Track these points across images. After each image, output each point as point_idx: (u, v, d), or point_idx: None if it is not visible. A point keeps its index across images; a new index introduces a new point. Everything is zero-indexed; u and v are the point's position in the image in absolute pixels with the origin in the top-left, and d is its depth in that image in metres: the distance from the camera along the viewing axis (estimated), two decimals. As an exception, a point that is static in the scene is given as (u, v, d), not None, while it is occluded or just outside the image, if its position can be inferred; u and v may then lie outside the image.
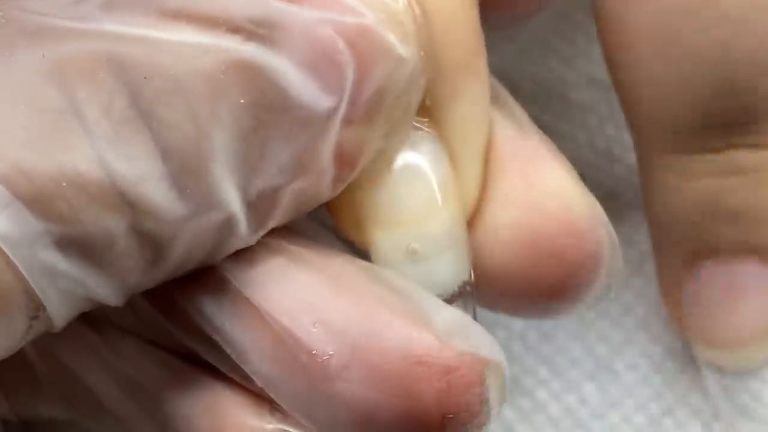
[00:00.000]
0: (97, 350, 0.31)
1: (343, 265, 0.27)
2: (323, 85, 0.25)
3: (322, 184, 0.26)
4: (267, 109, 0.25)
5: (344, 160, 0.26)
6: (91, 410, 0.31)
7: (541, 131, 0.29)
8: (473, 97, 0.28)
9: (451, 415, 0.26)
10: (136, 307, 0.30)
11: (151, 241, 0.25)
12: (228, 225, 0.26)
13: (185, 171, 0.24)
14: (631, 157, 0.37)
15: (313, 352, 0.26)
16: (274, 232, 0.27)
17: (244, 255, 0.27)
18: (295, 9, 0.25)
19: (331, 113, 0.25)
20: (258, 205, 0.26)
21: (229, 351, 0.27)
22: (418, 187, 0.28)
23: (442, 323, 0.27)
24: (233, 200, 0.25)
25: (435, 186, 0.28)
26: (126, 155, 0.24)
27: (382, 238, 0.28)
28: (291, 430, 0.28)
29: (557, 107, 0.38)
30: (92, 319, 0.31)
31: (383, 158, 0.28)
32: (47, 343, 0.31)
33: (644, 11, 0.30)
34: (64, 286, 0.24)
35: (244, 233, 0.26)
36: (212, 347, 0.28)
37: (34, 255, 0.24)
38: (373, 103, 0.26)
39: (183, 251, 0.25)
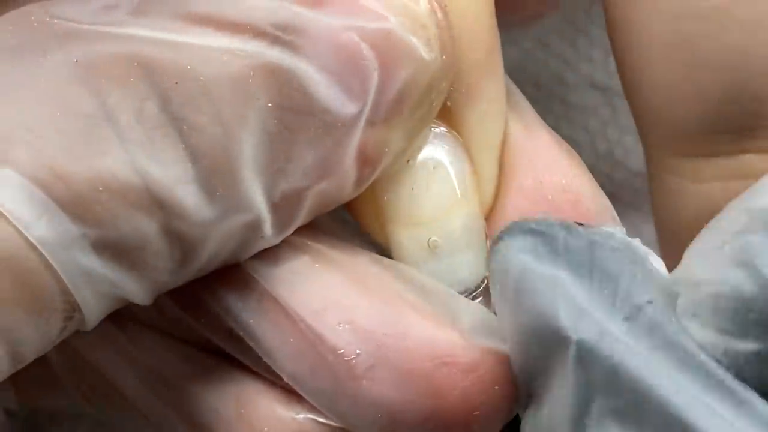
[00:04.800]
0: (119, 344, 0.31)
1: (367, 263, 0.28)
2: (348, 90, 0.26)
3: (344, 185, 0.27)
4: (294, 113, 0.25)
5: (366, 161, 0.27)
6: (109, 403, 0.31)
7: (549, 128, 0.30)
8: (491, 96, 0.28)
9: (476, 413, 0.26)
10: (159, 304, 0.30)
11: (181, 242, 0.25)
12: (254, 226, 0.26)
13: (215, 174, 0.25)
14: (633, 160, 0.37)
15: (340, 351, 0.26)
16: (299, 231, 0.27)
17: (270, 253, 0.27)
18: (320, 15, 0.25)
19: (356, 117, 0.26)
20: (283, 206, 0.26)
21: (254, 347, 0.28)
22: (438, 184, 0.28)
23: (466, 320, 0.27)
24: (260, 202, 0.25)
25: (455, 183, 0.28)
26: (158, 159, 0.24)
27: (403, 236, 0.28)
28: (320, 419, 0.28)
29: (559, 110, 0.38)
30: (115, 314, 0.31)
31: (403, 157, 0.28)
32: (69, 338, 0.31)
33: (656, 16, 0.30)
34: (99, 287, 0.25)
35: (269, 234, 0.26)
36: (238, 343, 0.28)
37: (71, 258, 0.24)
38: (395, 106, 0.26)
39: (210, 251, 0.26)
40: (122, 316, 0.31)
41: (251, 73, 0.25)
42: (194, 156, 0.24)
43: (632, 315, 0.24)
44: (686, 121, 0.31)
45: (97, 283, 0.25)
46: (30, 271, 0.24)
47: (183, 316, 0.29)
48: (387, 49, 0.26)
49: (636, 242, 0.26)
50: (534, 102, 0.36)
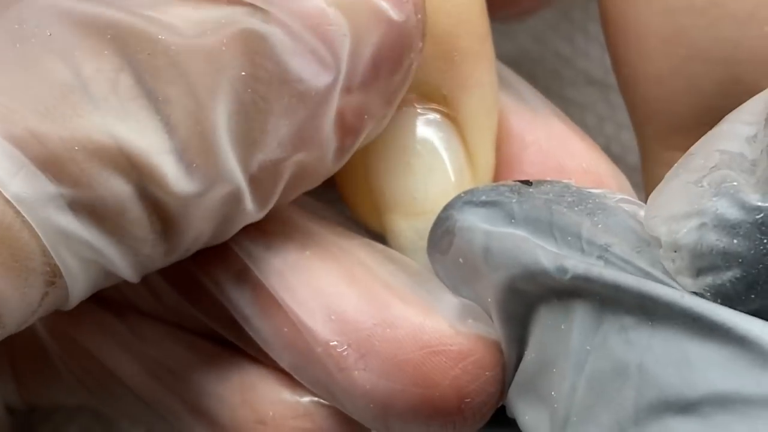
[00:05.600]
0: (121, 335, 0.31)
1: (358, 250, 0.28)
2: (320, 58, 0.25)
3: (324, 155, 0.27)
4: (267, 83, 0.25)
5: (346, 129, 0.26)
6: (111, 394, 0.32)
7: (559, 112, 0.30)
8: (484, 83, 0.29)
9: (468, 399, 0.26)
10: (160, 293, 0.30)
11: (160, 211, 0.25)
12: (234, 199, 0.26)
13: (191, 145, 0.25)
14: (630, 156, 0.37)
15: (331, 344, 0.26)
16: (291, 215, 0.27)
17: (263, 240, 0.27)
18: None
19: (331, 85, 0.26)
20: (261, 178, 0.26)
21: (252, 335, 0.28)
22: (435, 174, 0.28)
23: (454, 308, 0.27)
24: (237, 174, 0.25)
25: (451, 173, 0.28)
26: (134, 129, 0.24)
27: (400, 226, 0.28)
28: (325, 402, 0.28)
29: (555, 105, 0.38)
30: (115, 305, 0.31)
31: (397, 144, 0.28)
32: (68, 329, 0.31)
33: (650, 10, 0.30)
34: (80, 251, 0.25)
35: (251, 208, 0.26)
36: (239, 331, 0.28)
37: (48, 216, 0.24)
38: (371, 71, 0.26)
39: (194, 227, 0.26)
40: (122, 306, 0.31)
41: (224, 42, 0.25)
42: (169, 127, 0.24)
43: (602, 255, 0.24)
44: (680, 115, 0.31)
45: (77, 246, 0.25)
46: (7, 228, 0.24)
47: (184, 305, 0.29)
48: (356, 13, 0.26)
49: (597, 190, 0.26)
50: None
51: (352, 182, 0.29)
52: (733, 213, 0.23)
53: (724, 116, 0.30)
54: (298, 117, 0.26)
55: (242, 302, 0.28)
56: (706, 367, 0.22)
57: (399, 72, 0.27)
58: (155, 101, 0.24)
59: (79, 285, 0.25)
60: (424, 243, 0.28)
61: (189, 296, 0.29)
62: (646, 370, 0.23)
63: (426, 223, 0.28)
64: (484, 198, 0.26)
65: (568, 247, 0.25)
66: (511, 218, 0.26)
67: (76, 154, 0.24)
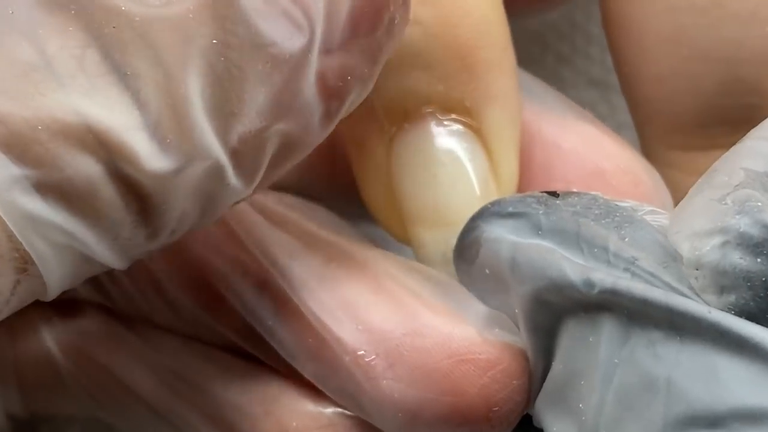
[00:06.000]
0: (135, 347, 0.31)
1: (383, 260, 0.28)
2: (293, 19, 0.25)
3: (309, 122, 0.26)
4: (239, 50, 0.24)
5: (330, 92, 0.25)
6: (122, 406, 0.31)
7: (580, 108, 0.30)
8: (506, 93, 0.28)
9: (496, 408, 0.26)
10: (178, 306, 0.30)
11: (135, 191, 0.24)
12: (216, 174, 0.25)
13: (163, 119, 0.24)
14: (630, 156, 0.37)
15: (359, 353, 0.26)
16: (313, 227, 0.27)
17: (286, 250, 0.27)
18: None
19: (306, 48, 0.25)
20: (243, 150, 0.25)
21: (275, 347, 0.28)
22: (460, 186, 0.28)
23: (482, 316, 0.27)
24: (216, 147, 0.24)
25: (476, 184, 0.28)
26: (103, 105, 0.23)
27: (425, 237, 0.28)
28: (349, 413, 0.28)
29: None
30: (129, 319, 0.31)
31: (422, 155, 0.28)
32: (80, 344, 0.31)
33: (652, 10, 0.30)
34: (51, 236, 0.24)
35: (235, 183, 0.25)
36: (260, 342, 0.28)
37: (13, 199, 0.23)
38: (349, 30, 0.25)
39: (173, 205, 0.25)
40: (136, 319, 0.31)
41: (191, 9, 0.24)
42: (140, 102, 0.24)
43: (629, 268, 0.24)
44: (682, 115, 0.31)
45: (48, 231, 0.24)
46: None
47: (202, 316, 0.29)
48: None
49: (624, 203, 0.26)
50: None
51: (378, 194, 0.29)
52: (756, 231, 0.23)
53: (725, 116, 0.31)
54: (275, 83, 0.25)
55: (264, 313, 0.28)
56: (734, 382, 0.22)
57: (379, 28, 0.26)
58: (123, 76, 0.24)
59: (55, 273, 0.24)
60: (449, 254, 0.28)
61: (209, 308, 0.29)
62: (674, 385, 0.23)
63: (451, 235, 0.28)
64: (511, 209, 0.26)
65: (595, 259, 0.25)
66: (538, 230, 0.26)
67: (39, 134, 0.23)
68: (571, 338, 0.25)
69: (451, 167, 0.28)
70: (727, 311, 0.23)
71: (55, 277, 0.24)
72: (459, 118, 0.28)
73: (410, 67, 0.28)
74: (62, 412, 0.34)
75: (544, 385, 0.26)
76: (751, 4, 0.30)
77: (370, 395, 0.27)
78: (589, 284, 0.24)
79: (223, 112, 0.24)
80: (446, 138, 0.28)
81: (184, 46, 0.24)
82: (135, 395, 0.31)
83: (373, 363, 0.26)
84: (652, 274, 0.24)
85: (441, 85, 0.28)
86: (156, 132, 0.24)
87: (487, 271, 0.27)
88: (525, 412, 0.27)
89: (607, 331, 0.24)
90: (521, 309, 0.26)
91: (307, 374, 0.28)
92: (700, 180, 0.26)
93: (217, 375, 0.30)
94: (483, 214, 0.27)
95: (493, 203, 0.27)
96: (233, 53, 0.24)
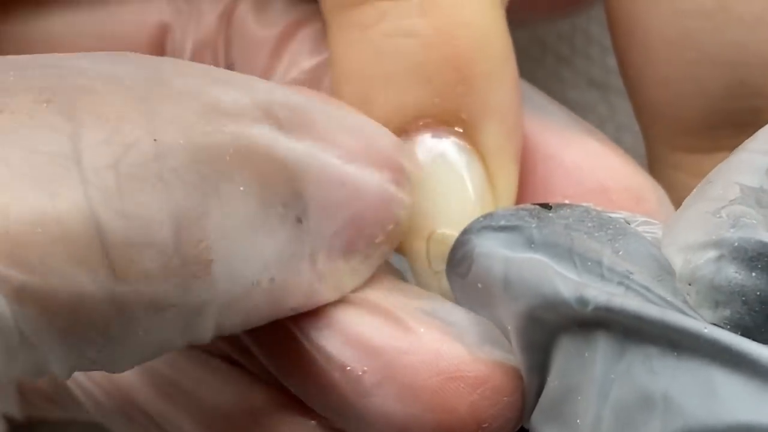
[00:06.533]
0: None
1: (373, 277, 0.27)
2: None
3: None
4: None
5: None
6: (120, 411, 0.31)
7: (591, 128, 0.30)
8: (505, 106, 0.28)
9: (486, 425, 0.26)
10: None
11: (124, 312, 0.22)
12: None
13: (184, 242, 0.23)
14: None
15: (347, 369, 0.26)
16: None
17: None
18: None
19: None
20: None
21: (263, 361, 0.27)
22: (456, 199, 0.28)
23: (473, 333, 0.27)
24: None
25: (473, 198, 0.28)
26: (124, 213, 0.22)
27: (421, 249, 0.28)
28: (337, 426, 0.28)
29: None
30: None
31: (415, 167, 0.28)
32: None
33: (658, 13, 0.30)
34: (10, 342, 0.22)
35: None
36: (249, 355, 0.28)
37: None
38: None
39: (143, 338, 0.23)
40: None
41: (231, 152, 0.24)
42: (171, 217, 0.22)
43: (623, 282, 0.24)
44: (688, 117, 0.31)
45: (9, 337, 0.22)
46: None
47: None
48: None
49: (617, 214, 0.26)
50: (531, 99, 0.37)
51: None
52: (751, 246, 0.23)
53: (730, 118, 0.31)
54: None
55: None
56: (732, 399, 0.22)
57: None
58: (162, 184, 0.22)
59: None
60: (443, 266, 0.28)
61: None
62: (671, 400, 0.23)
63: (447, 247, 0.28)
64: (503, 222, 0.26)
65: (588, 273, 0.24)
66: (530, 243, 0.25)
67: (37, 237, 0.21)
68: (565, 354, 0.25)
69: (447, 181, 0.28)
70: (722, 326, 0.23)
71: (3, 378, 0.22)
72: (456, 131, 0.28)
73: (407, 79, 0.28)
74: (59, 416, 0.34)
75: (540, 400, 0.26)
76: (757, 8, 0.30)
77: (358, 411, 0.26)
78: (583, 302, 0.24)
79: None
80: (442, 151, 0.28)
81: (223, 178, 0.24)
82: (131, 400, 0.31)
83: (361, 379, 0.26)
84: (647, 289, 0.24)
85: (437, 98, 0.27)
86: (176, 253, 0.23)
87: (479, 285, 0.26)
88: (519, 428, 0.27)
89: (603, 346, 0.24)
90: (514, 326, 0.26)
91: (295, 391, 0.28)
92: (693, 192, 0.25)
93: (209, 382, 0.30)
94: (474, 228, 0.27)
95: (485, 216, 0.27)
96: None
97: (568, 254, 0.25)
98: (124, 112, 0.23)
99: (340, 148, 0.25)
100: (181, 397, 0.30)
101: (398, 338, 0.26)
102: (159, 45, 0.31)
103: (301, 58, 0.30)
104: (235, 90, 0.24)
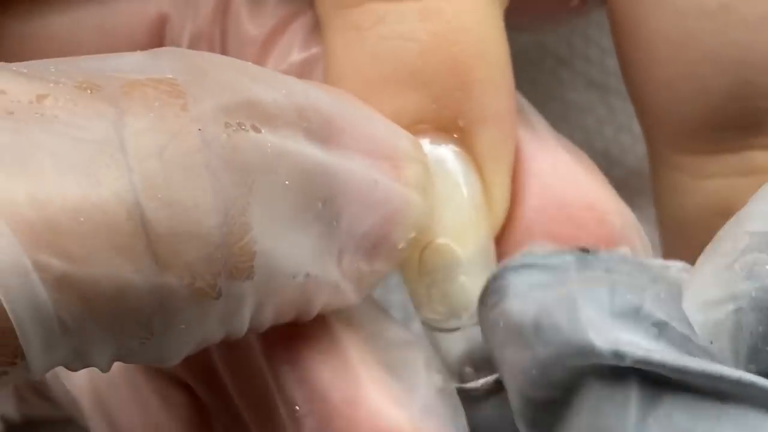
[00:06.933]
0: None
1: (342, 323, 0.27)
2: None
3: None
4: None
5: None
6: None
7: (566, 141, 0.29)
8: (502, 114, 0.28)
9: None
10: None
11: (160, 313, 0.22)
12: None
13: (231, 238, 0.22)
14: (629, 159, 0.37)
15: (295, 407, 0.26)
16: None
17: None
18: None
19: None
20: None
21: (225, 378, 0.28)
22: (451, 206, 0.28)
23: (425, 402, 0.26)
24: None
25: (468, 205, 0.28)
26: (169, 202, 0.21)
27: (414, 257, 0.28)
28: None
29: (555, 108, 0.38)
30: None
31: None
32: None
33: (661, 14, 0.30)
34: (53, 336, 0.21)
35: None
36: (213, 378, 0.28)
37: (28, 289, 0.21)
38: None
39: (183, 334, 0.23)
40: None
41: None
42: (219, 210, 0.22)
43: (662, 331, 0.24)
44: (690, 118, 0.31)
45: (52, 329, 0.21)
46: None
47: None
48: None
49: (654, 261, 0.26)
50: (530, 100, 0.37)
51: None
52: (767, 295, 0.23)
53: (733, 120, 0.31)
54: None
55: (219, 352, 0.27)
56: None
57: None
58: (212, 178, 0.22)
59: (42, 366, 0.22)
60: (437, 276, 0.28)
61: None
62: None
63: (441, 258, 0.27)
64: (541, 262, 0.26)
65: (625, 320, 0.24)
66: (567, 285, 0.25)
67: (80, 226, 0.21)
68: (597, 396, 0.24)
69: (443, 187, 0.28)
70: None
71: (42, 368, 0.22)
72: (452, 138, 0.28)
73: (405, 84, 0.27)
74: (56, 417, 0.34)
75: None
76: (760, 9, 0.30)
77: None
78: (619, 356, 0.24)
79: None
80: (441, 158, 0.28)
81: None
82: (79, 407, 0.31)
83: (304, 421, 0.25)
84: (684, 337, 0.24)
85: (435, 103, 0.27)
86: (223, 248, 0.22)
87: (501, 323, 0.26)
88: None
89: (637, 390, 0.24)
90: (539, 367, 0.25)
91: (244, 412, 0.27)
92: (706, 249, 0.25)
93: (143, 403, 0.30)
94: (512, 265, 0.26)
95: (523, 254, 0.26)
96: None
97: (606, 299, 0.25)
98: (167, 101, 0.22)
99: (371, 153, 0.25)
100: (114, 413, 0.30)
101: (350, 389, 0.26)
102: (158, 36, 0.31)
103: (292, 51, 0.30)
104: (274, 90, 0.24)
